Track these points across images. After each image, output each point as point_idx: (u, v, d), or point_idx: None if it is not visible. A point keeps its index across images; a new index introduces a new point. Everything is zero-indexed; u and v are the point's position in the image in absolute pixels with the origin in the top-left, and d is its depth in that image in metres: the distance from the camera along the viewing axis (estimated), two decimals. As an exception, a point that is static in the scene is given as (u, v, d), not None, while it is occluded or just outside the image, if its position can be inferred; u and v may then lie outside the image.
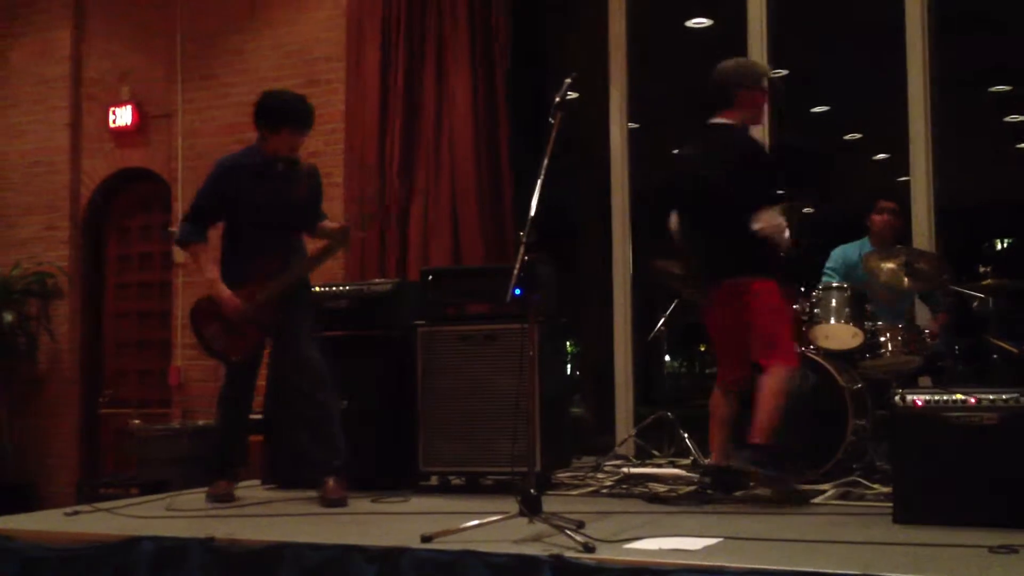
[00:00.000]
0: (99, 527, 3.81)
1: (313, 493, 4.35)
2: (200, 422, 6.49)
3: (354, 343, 4.87)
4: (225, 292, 4.35)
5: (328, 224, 4.64)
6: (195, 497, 4.59)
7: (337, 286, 5.06)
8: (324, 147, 6.53)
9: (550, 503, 3.56)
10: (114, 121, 7.49)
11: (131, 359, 7.65)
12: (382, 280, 5.41)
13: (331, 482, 4.29)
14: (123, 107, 7.46)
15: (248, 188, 4.43)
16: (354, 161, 6.46)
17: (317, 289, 4.81)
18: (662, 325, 5.34)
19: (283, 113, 4.41)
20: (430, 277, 4.92)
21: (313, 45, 6.87)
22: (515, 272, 3.54)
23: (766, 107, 4.56)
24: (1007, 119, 10.11)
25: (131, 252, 7.73)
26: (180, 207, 6.87)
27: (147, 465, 6.20)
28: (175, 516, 4.10)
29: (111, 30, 7.61)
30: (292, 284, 4.39)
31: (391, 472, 4.73)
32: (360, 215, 4.65)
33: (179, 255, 6.89)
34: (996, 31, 7.91)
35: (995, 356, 4.88)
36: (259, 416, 5.01)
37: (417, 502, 4.37)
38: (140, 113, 7.43)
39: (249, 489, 4.82)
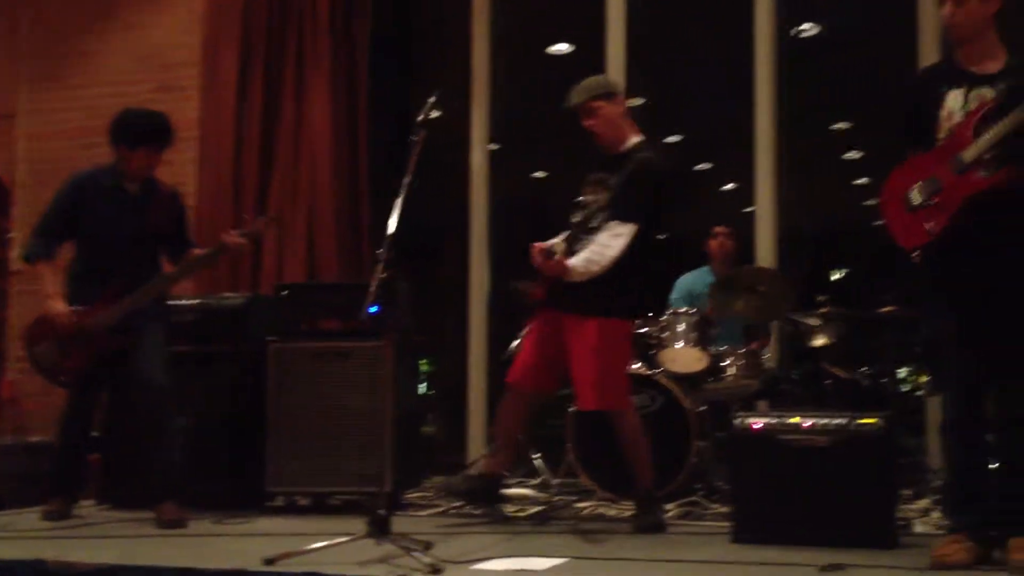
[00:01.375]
0: (-82, 549, 3.59)
1: (152, 514, 4.21)
2: (34, 438, 6.19)
3: (202, 358, 4.75)
4: (56, 308, 4.21)
5: (195, 252, 4.52)
6: (29, 516, 4.38)
7: (186, 299, 4.92)
8: (174, 155, 6.33)
9: (399, 524, 3.54)
10: (-50, 121, 7.11)
11: (-40, 370, 7.25)
12: (233, 294, 5.29)
13: (170, 503, 4.18)
14: (-40, 107, 7.09)
15: (99, 207, 4.30)
16: (208, 171, 6.30)
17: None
18: (516, 346, 5.37)
19: (142, 132, 4.31)
20: (284, 292, 4.84)
21: (168, 50, 6.67)
22: (371, 289, 3.52)
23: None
24: (845, 156, 10.62)
25: (-36, 257, 7.33)
26: (19, 212, 6.55)
27: (-24, 482, 5.87)
28: (5, 536, 3.90)
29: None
30: (141, 303, 4.26)
31: (236, 492, 4.61)
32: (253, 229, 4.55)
33: (16, 262, 6.57)
34: (839, 70, 8.33)
35: (829, 382, 5.10)
36: (97, 434, 4.81)
37: (262, 523, 4.28)
38: (-22, 113, 7.07)
39: (86, 509, 4.62)
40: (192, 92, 6.51)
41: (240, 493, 4.61)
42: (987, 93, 3.20)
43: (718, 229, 5.92)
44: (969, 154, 3.16)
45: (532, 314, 4.22)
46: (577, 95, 4.18)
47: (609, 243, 3.97)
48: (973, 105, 3.21)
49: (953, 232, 3.21)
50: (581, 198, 4.12)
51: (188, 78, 6.55)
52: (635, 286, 4.11)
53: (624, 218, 3.98)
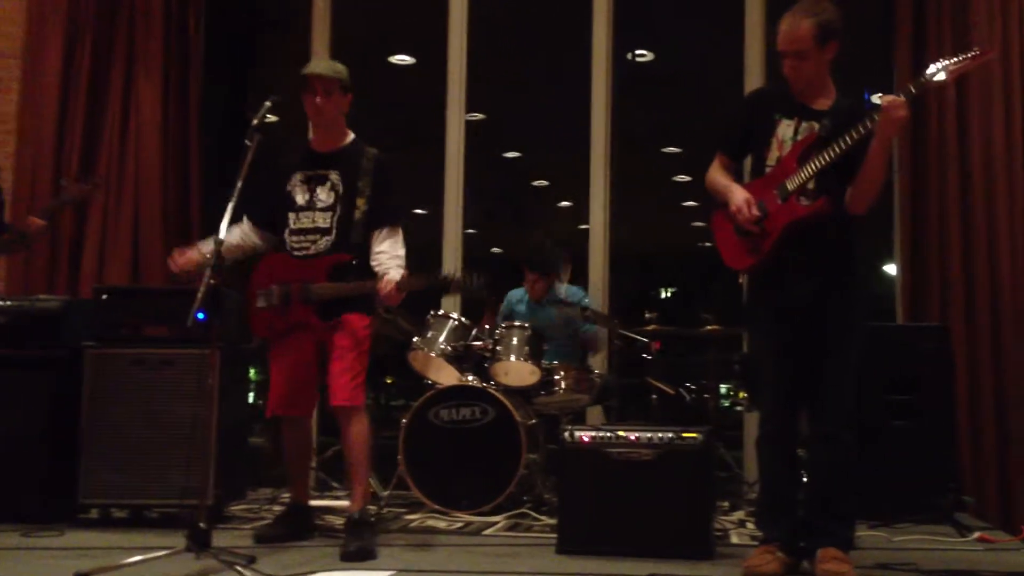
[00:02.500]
0: None
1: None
2: None
3: (13, 363, 4.48)
4: None
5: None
6: None
7: (-4, 300, 4.65)
8: (-10, 150, 6.02)
9: (222, 537, 3.45)
10: None
11: None
12: (49, 296, 5.02)
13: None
14: None
15: None
16: (24, 167, 5.97)
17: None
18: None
19: None
20: (104, 295, 4.63)
21: (-13, 40, 6.31)
22: (199, 295, 3.41)
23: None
24: (676, 178, 11.01)
25: None
26: None
27: None
28: None
29: None
30: None
31: (47, 504, 4.37)
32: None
33: None
34: (671, 97, 8.64)
35: (654, 397, 5.26)
36: None
37: (73, 536, 4.07)
38: None
39: None
40: (12, 84, 6.17)
41: (51, 505, 4.37)
42: (815, 127, 3.39)
43: (529, 275, 5.79)
44: (792, 183, 3.34)
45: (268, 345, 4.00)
46: (323, 67, 3.97)
47: (400, 251, 3.93)
48: (802, 137, 3.39)
49: (775, 256, 3.37)
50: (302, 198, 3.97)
51: (7, 69, 6.21)
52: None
53: (394, 223, 3.96)
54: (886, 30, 5.63)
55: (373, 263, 3.91)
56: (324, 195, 3.95)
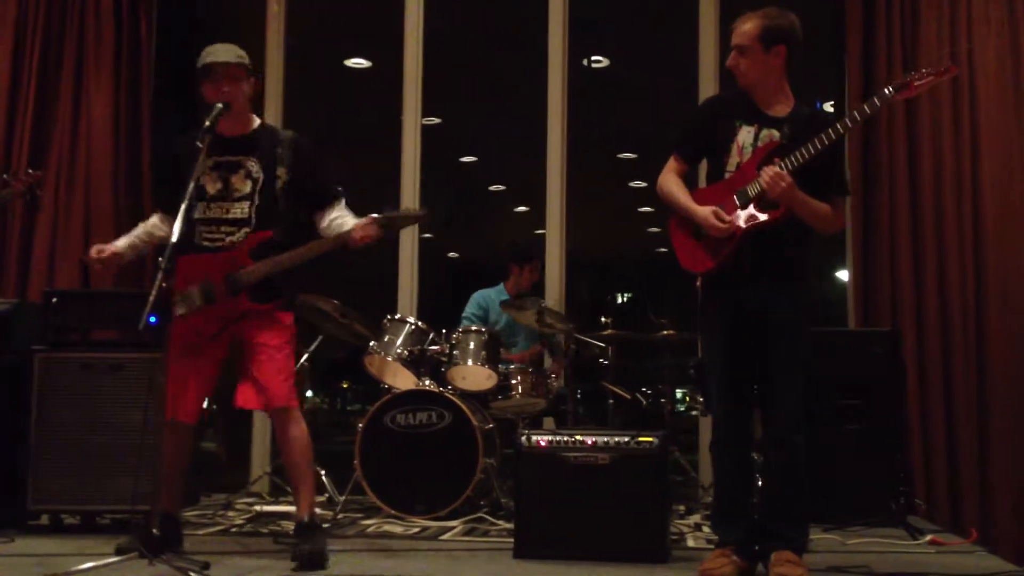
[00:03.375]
0: None
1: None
2: None
3: (-42, 367, 4.39)
4: None
5: None
6: None
7: (-58, 304, 4.56)
8: (-66, 147, 5.90)
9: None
10: None
11: None
12: (-3, 299, 4.94)
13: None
14: None
15: None
16: (-27, 167, 5.87)
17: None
18: (306, 360, 5.28)
19: None
20: (54, 299, 4.56)
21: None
22: (151, 299, 3.36)
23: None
24: (632, 184, 11.07)
25: None
26: None
27: None
28: None
29: None
30: None
31: (-5, 510, 4.29)
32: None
33: None
34: (628, 101, 8.69)
35: (611, 401, 5.28)
36: None
37: (24, 543, 3.99)
38: None
39: None
40: (-42, 81, 6.06)
41: (0, 511, 4.29)
42: (775, 134, 3.42)
43: (537, 263, 6.04)
44: (753, 189, 3.36)
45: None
46: (226, 54, 3.75)
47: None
48: (762, 144, 3.42)
49: (732, 260, 3.40)
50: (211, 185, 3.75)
51: (-46, 67, 6.10)
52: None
53: (336, 197, 3.82)
54: (837, 40, 5.71)
55: (332, 224, 3.74)
56: (240, 184, 3.74)
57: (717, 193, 3.46)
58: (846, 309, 5.62)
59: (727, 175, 3.46)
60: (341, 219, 3.78)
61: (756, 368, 3.43)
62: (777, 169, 3.28)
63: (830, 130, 3.26)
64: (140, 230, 3.97)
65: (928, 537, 4.23)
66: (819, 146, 3.27)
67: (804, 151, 3.29)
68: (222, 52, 3.74)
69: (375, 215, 3.67)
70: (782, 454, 3.40)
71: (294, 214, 3.80)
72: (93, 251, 3.86)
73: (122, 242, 3.92)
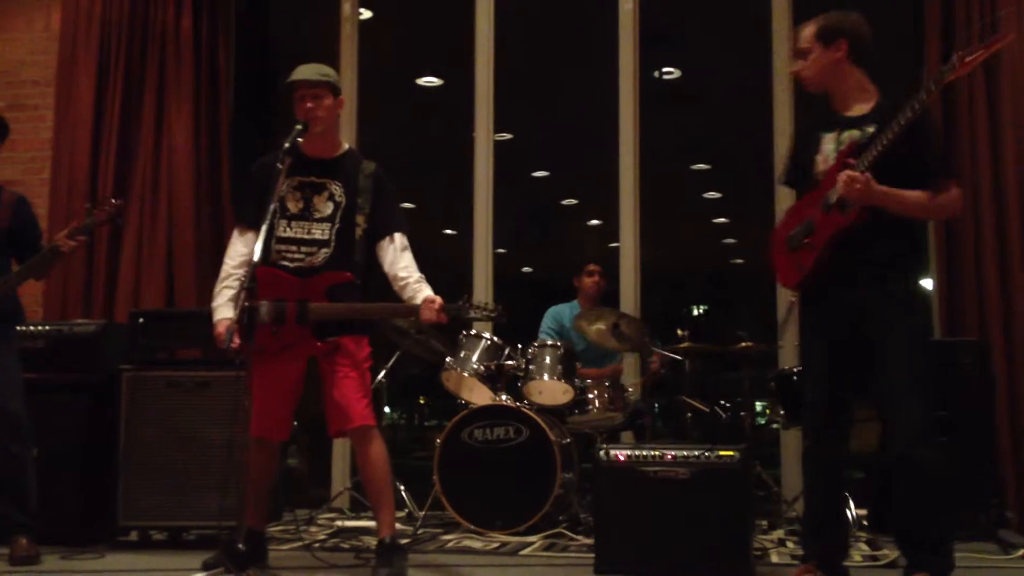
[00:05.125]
0: None
1: (3, 550, 4.00)
2: None
3: (52, 387, 4.51)
4: None
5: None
6: None
7: (35, 325, 4.69)
8: (23, 176, 6.08)
9: (258, 558, 3.43)
10: None
11: None
12: (85, 321, 5.08)
13: (22, 539, 3.98)
14: None
15: None
16: (60, 193, 6.04)
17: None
18: (383, 377, 5.34)
19: None
20: (140, 319, 4.67)
21: (19, 67, 6.40)
22: (234, 317, 3.42)
23: None
24: (706, 195, 10.98)
25: None
26: None
27: None
28: None
29: None
30: None
31: (86, 526, 4.40)
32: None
33: None
34: (699, 114, 8.63)
35: (689, 415, 5.23)
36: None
37: (113, 559, 4.09)
38: None
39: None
40: (45, 112, 6.26)
41: (90, 527, 4.41)
42: (855, 134, 3.33)
43: (593, 267, 5.98)
44: (834, 194, 3.28)
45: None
46: (309, 72, 3.74)
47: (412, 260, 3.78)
48: (843, 147, 3.35)
49: (820, 270, 3.33)
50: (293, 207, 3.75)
51: (41, 97, 6.31)
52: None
53: (401, 229, 3.77)
54: (916, 25, 5.56)
55: (399, 283, 3.71)
56: (322, 205, 3.74)
57: (808, 204, 3.40)
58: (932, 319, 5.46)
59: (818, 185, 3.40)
60: (411, 283, 3.68)
61: (859, 379, 3.29)
62: (849, 172, 3.19)
63: (899, 116, 3.12)
64: (233, 279, 3.77)
65: (1021, 552, 4.11)
66: (890, 136, 3.13)
67: (877, 144, 3.17)
68: (306, 70, 3.75)
69: (446, 304, 3.60)
70: (904, 471, 3.17)
71: (370, 259, 3.77)
72: (234, 345, 3.52)
73: (229, 308, 3.70)
